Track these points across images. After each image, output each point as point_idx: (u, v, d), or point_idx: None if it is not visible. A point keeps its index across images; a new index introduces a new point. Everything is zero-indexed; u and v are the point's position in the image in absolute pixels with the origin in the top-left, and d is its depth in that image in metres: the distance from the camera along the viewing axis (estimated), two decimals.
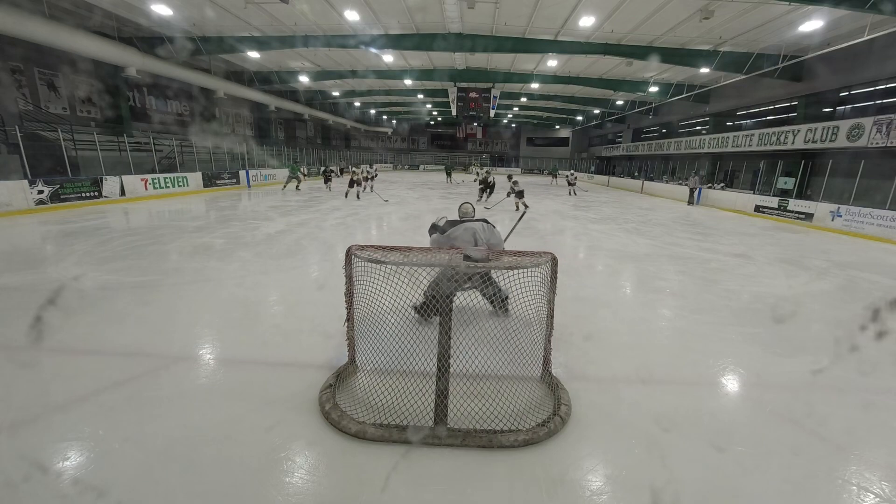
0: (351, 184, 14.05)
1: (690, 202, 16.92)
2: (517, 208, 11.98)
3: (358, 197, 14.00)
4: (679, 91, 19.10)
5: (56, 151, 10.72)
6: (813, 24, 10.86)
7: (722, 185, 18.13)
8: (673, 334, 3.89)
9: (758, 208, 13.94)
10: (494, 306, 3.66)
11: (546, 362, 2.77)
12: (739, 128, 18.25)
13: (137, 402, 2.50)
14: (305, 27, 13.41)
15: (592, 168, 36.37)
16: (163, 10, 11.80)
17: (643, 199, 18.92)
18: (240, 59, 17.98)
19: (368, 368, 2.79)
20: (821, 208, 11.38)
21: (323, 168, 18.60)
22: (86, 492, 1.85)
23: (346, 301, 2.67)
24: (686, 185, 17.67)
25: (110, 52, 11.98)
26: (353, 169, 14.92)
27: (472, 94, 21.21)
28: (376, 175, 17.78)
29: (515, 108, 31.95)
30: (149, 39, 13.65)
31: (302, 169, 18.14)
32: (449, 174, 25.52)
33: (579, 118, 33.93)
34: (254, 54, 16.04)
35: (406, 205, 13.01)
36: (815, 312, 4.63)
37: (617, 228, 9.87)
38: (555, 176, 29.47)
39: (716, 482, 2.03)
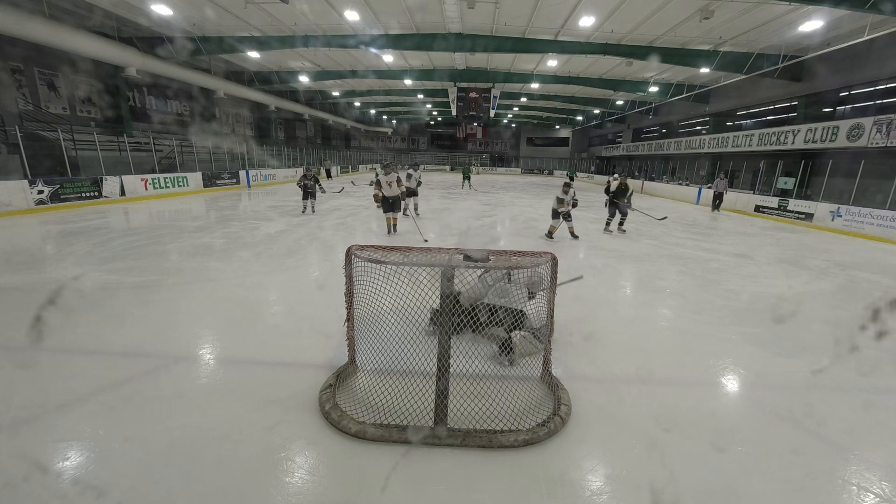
0: (387, 204, 7.77)
1: (715, 207, 14.33)
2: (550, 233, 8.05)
3: (393, 230, 8.05)
4: (679, 91, 19.11)
5: (56, 151, 10.72)
6: (813, 24, 10.86)
7: None
8: (673, 334, 3.89)
9: (758, 208, 13.94)
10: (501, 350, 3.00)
11: (546, 362, 2.77)
12: (739, 128, 18.27)
13: (137, 402, 2.50)
14: (305, 27, 13.41)
15: (592, 168, 36.42)
16: (163, 10, 11.80)
17: (643, 199, 18.90)
18: (240, 59, 17.98)
19: (368, 368, 2.78)
20: (821, 208, 11.39)
21: (304, 172, 10.53)
22: (86, 492, 1.85)
23: (346, 301, 2.67)
24: (711, 188, 14.77)
25: (110, 52, 11.98)
26: (380, 176, 7.80)
27: (472, 94, 21.22)
28: (419, 182, 10.79)
29: (515, 108, 31.96)
30: (149, 39, 13.65)
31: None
32: (467, 177, 20.82)
33: (579, 118, 33.94)
34: (254, 54, 16.04)
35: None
36: (815, 312, 4.63)
37: None
38: (571, 179, 25.37)
39: (716, 482, 2.03)
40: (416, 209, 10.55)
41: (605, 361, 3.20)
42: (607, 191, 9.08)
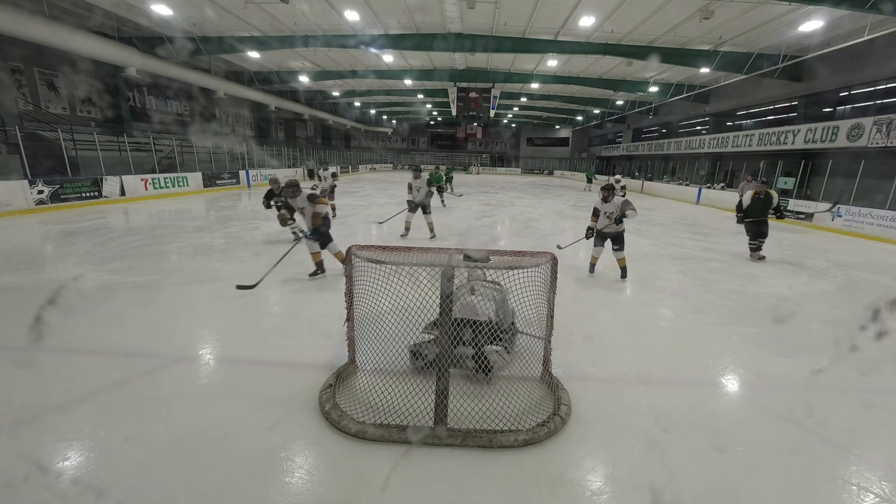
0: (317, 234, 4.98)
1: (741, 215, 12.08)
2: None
3: (320, 272, 5.18)
4: (679, 91, 19.11)
5: (56, 151, 10.72)
6: (813, 24, 10.87)
7: (722, 185, 18.14)
8: (673, 334, 3.89)
9: None
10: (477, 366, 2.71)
11: (546, 362, 2.76)
12: (739, 128, 18.27)
13: (137, 402, 2.50)
14: (305, 27, 13.41)
15: (592, 168, 36.44)
16: (163, 10, 11.80)
17: (643, 199, 18.90)
18: (240, 59, 17.98)
19: (368, 368, 2.78)
20: (821, 208, 11.38)
21: (311, 168, 8.08)
22: (86, 492, 1.85)
23: (346, 301, 2.67)
24: (739, 192, 12.15)
25: (110, 52, 11.98)
26: (289, 200, 5.06)
27: (472, 94, 21.22)
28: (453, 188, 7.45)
29: (515, 108, 31.96)
30: (149, 39, 13.65)
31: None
32: (449, 179, 16.60)
33: (579, 118, 33.94)
34: (254, 54, 16.04)
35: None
36: (815, 312, 4.63)
37: None
38: (590, 181, 23.46)
39: (716, 482, 2.03)
40: (430, 230, 7.72)
41: (605, 361, 3.20)
42: (739, 208, 6.73)
